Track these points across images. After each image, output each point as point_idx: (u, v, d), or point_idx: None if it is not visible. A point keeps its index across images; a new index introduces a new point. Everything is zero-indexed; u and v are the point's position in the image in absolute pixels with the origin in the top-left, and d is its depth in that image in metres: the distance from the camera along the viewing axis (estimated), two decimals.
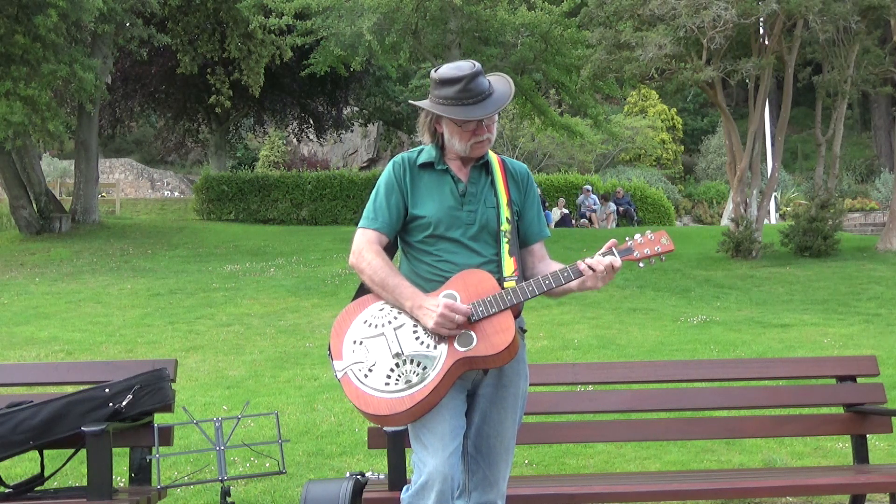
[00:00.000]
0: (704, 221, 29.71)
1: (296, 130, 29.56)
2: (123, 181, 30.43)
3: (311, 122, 28.63)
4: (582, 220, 23.62)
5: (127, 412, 3.60)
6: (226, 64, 22.35)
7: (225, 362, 8.06)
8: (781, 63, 15.12)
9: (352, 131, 34.55)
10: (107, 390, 3.61)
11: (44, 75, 14.70)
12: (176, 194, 30.42)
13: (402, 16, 17.63)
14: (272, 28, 18.99)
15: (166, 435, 3.69)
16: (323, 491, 3.53)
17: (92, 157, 19.20)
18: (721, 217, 26.22)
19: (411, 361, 2.79)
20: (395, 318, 2.86)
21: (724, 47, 13.93)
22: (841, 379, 4.12)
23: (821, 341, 8.54)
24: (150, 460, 3.71)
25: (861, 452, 4.05)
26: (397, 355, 2.80)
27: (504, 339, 2.77)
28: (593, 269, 2.85)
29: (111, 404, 3.58)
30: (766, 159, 21.18)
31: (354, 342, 2.85)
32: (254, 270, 13.46)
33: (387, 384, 2.78)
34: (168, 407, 3.72)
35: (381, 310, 2.88)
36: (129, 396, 3.60)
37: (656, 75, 14.89)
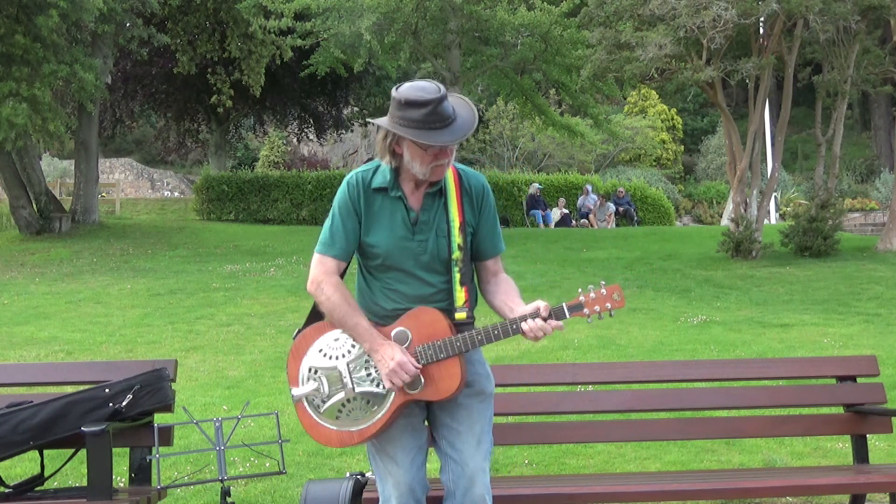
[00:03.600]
0: (704, 221, 29.68)
1: (296, 130, 29.54)
2: (123, 181, 30.39)
3: (312, 122, 28.61)
4: (582, 221, 23.62)
5: (127, 412, 3.59)
6: (226, 64, 22.36)
7: (225, 362, 8.06)
8: (781, 63, 15.11)
9: (352, 131, 34.52)
10: (107, 390, 3.60)
11: (45, 76, 14.70)
12: (176, 194, 30.40)
13: (402, 16, 17.65)
14: (272, 29, 19.02)
15: (166, 435, 3.69)
16: (323, 491, 3.52)
17: (92, 157, 19.21)
18: (721, 217, 26.20)
19: (361, 398, 2.88)
20: (349, 352, 2.91)
21: (724, 47, 13.92)
22: (841, 379, 4.11)
23: (821, 341, 8.54)
24: (150, 460, 3.70)
25: (861, 452, 4.04)
26: (349, 391, 2.88)
27: (450, 386, 2.87)
28: (543, 333, 2.81)
29: (111, 404, 3.57)
30: (766, 159, 21.16)
31: (310, 370, 2.95)
32: (254, 270, 13.46)
33: (338, 418, 2.90)
34: (168, 407, 3.71)
35: (336, 339, 2.94)
36: (129, 396, 3.60)
37: (656, 75, 14.88)
